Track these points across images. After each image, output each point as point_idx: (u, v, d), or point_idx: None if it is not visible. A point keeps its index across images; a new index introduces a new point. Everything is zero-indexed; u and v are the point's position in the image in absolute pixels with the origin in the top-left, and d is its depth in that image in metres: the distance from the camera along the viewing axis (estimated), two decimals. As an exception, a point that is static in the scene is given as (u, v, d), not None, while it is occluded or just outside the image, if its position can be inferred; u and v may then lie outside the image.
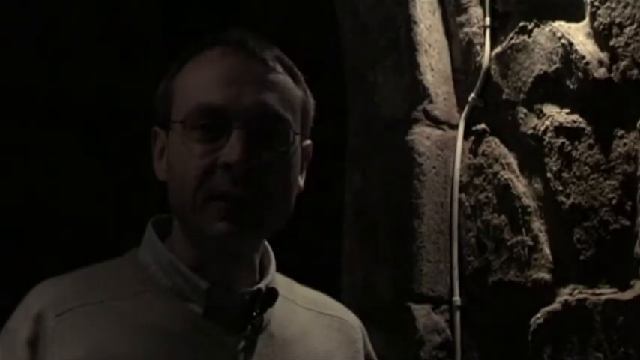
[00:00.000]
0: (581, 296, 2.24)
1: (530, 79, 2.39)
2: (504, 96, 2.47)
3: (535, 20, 2.40)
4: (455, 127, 2.62)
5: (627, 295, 2.15)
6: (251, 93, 1.53)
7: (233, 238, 1.52)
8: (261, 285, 1.57)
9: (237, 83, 1.53)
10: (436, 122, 2.62)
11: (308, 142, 1.63)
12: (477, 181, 2.54)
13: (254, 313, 1.55)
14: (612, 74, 2.22)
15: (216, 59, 1.56)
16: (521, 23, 2.44)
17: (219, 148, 1.51)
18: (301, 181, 1.61)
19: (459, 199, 2.57)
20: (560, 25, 2.34)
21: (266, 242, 1.63)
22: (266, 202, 1.53)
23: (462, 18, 2.61)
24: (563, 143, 2.30)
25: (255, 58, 1.55)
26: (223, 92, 1.52)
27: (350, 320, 1.71)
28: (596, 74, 2.24)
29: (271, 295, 1.57)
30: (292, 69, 1.60)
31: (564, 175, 2.29)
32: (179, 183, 1.54)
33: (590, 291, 2.23)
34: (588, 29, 2.29)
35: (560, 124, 2.31)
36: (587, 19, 2.30)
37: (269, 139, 1.54)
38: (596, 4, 2.26)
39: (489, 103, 2.55)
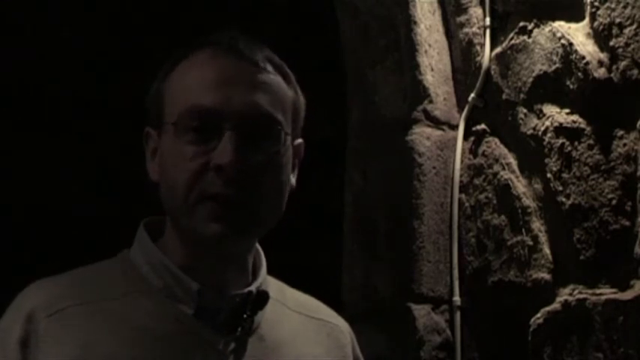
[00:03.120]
0: (581, 296, 2.24)
1: (530, 80, 2.39)
2: (504, 96, 2.47)
3: (535, 20, 2.40)
4: (455, 127, 2.62)
5: (627, 295, 2.15)
6: (242, 95, 1.54)
7: (225, 239, 1.53)
8: (252, 287, 1.57)
9: (228, 85, 1.54)
10: (436, 122, 2.62)
11: (299, 140, 1.63)
12: (477, 182, 2.54)
13: (244, 316, 1.55)
14: (612, 74, 2.22)
15: (207, 61, 1.56)
16: (521, 23, 2.44)
17: (211, 150, 1.52)
18: (293, 180, 1.61)
19: (459, 200, 2.57)
20: (560, 25, 2.34)
21: (257, 245, 1.63)
22: (258, 202, 1.54)
23: (462, 18, 2.61)
24: (563, 143, 2.30)
25: (245, 60, 1.56)
26: (214, 94, 1.53)
27: (339, 325, 1.71)
28: (596, 74, 2.24)
29: (262, 297, 1.58)
30: (283, 69, 1.60)
31: (564, 175, 2.29)
32: (171, 184, 1.55)
33: (590, 291, 2.23)
34: (588, 29, 2.29)
35: (560, 124, 2.31)
36: (587, 19, 2.29)
37: (260, 140, 1.54)
38: (596, 4, 2.25)
39: (489, 103, 2.55)
